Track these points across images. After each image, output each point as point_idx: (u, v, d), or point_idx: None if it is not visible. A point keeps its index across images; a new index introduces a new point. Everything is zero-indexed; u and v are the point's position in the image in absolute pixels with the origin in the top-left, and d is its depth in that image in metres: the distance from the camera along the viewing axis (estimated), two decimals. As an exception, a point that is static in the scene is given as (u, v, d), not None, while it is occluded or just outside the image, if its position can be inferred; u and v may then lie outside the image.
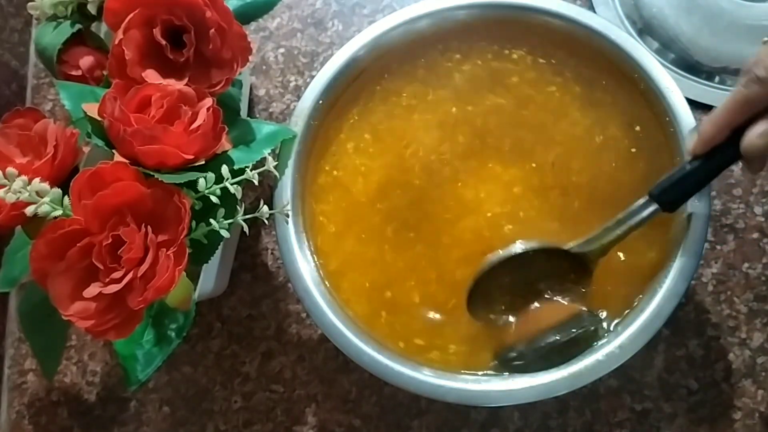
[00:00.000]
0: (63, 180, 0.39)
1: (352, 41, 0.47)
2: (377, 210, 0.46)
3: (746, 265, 0.48)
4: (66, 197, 0.37)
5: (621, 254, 0.42)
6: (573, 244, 0.41)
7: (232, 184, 0.38)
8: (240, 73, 0.41)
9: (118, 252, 0.35)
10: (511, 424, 0.47)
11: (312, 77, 0.48)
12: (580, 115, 0.45)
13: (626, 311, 0.41)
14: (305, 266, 0.44)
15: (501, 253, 0.42)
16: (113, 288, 0.34)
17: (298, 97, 0.47)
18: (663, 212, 0.40)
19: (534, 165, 0.45)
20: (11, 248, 0.44)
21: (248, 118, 0.45)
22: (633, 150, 0.44)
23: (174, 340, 0.40)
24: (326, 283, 0.44)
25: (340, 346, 0.42)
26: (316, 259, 0.45)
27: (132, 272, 0.35)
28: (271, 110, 0.57)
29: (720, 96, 0.50)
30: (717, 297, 0.47)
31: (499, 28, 0.47)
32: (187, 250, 0.36)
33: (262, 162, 0.40)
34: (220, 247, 0.40)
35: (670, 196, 0.39)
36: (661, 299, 0.40)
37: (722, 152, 0.38)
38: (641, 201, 0.40)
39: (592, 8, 0.54)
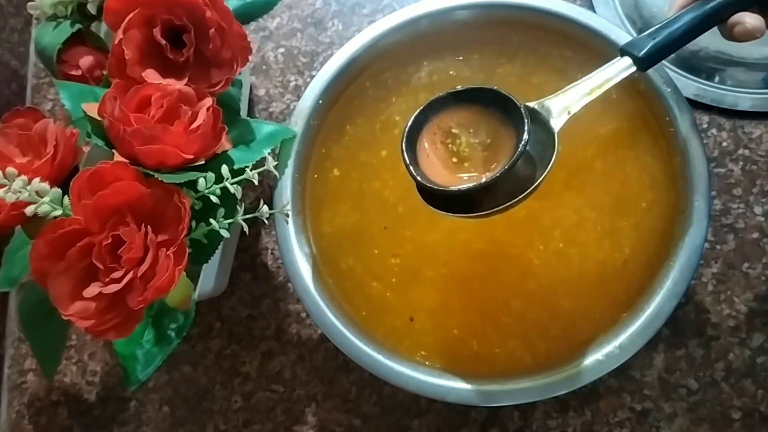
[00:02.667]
0: (63, 180, 0.39)
1: (352, 41, 0.47)
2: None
3: (746, 265, 0.48)
4: (66, 197, 0.37)
5: (621, 255, 0.42)
6: (535, 102, 0.39)
7: (232, 184, 0.38)
8: (240, 73, 0.41)
9: (118, 252, 0.35)
10: (511, 424, 0.47)
11: (312, 77, 0.48)
12: (580, 116, 0.45)
13: (626, 311, 0.41)
14: (305, 266, 0.44)
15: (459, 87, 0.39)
16: (113, 288, 0.34)
17: (298, 97, 0.47)
18: (635, 70, 0.39)
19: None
20: (11, 248, 0.44)
21: (248, 118, 0.45)
22: (632, 150, 0.44)
23: (174, 340, 0.40)
24: (327, 281, 0.44)
25: (340, 346, 0.42)
26: (315, 259, 0.45)
27: (132, 272, 0.35)
28: (271, 110, 0.57)
29: (720, 96, 0.50)
30: (717, 297, 0.47)
31: (499, 27, 0.47)
32: (187, 250, 0.36)
33: (262, 162, 0.40)
34: (220, 247, 0.40)
35: (642, 49, 0.39)
36: (661, 299, 0.40)
37: (694, 12, 0.39)
38: (614, 60, 0.40)
39: (592, 8, 0.54)
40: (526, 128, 0.36)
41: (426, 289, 0.44)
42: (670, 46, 0.39)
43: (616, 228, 0.43)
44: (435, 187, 0.37)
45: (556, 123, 0.38)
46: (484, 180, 0.36)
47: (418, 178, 0.37)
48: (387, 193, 0.46)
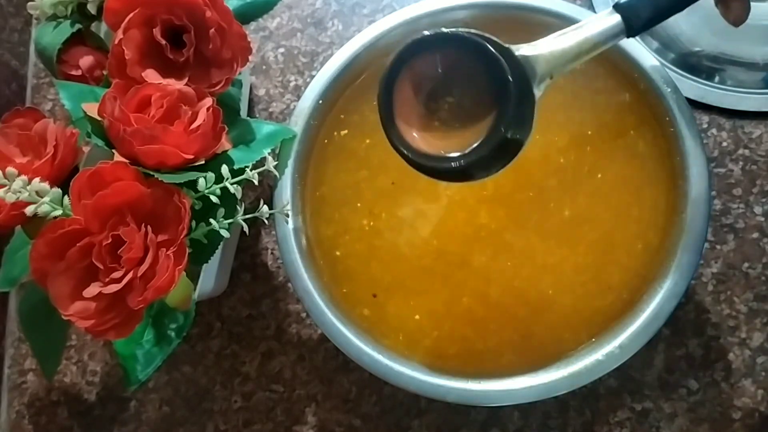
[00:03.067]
0: (63, 180, 0.39)
1: (352, 41, 0.47)
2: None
3: (746, 264, 0.48)
4: (66, 197, 0.37)
5: (621, 255, 0.42)
6: (520, 54, 0.36)
7: (232, 184, 0.38)
8: (240, 73, 0.41)
9: (118, 252, 0.35)
10: (511, 424, 0.47)
11: (312, 77, 0.48)
12: (579, 116, 0.45)
13: (626, 311, 0.41)
14: (305, 266, 0.44)
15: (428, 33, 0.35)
16: (113, 288, 0.34)
17: (298, 97, 0.48)
18: (625, 34, 0.37)
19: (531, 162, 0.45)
20: (11, 248, 0.44)
21: (248, 118, 0.45)
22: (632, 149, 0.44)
23: (174, 339, 0.40)
24: (327, 281, 0.44)
25: (340, 346, 0.42)
26: (315, 258, 0.45)
27: (132, 272, 0.35)
28: (271, 110, 0.57)
29: (720, 96, 0.50)
30: (717, 297, 0.47)
31: (499, 27, 0.47)
32: (187, 250, 0.36)
33: (262, 162, 0.40)
34: (220, 247, 0.40)
35: (637, 11, 0.37)
36: (661, 299, 0.40)
37: None
38: (605, 12, 0.37)
39: (592, 8, 0.54)
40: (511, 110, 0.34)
41: (426, 287, 0.44)
42: (667, 11, 0.38)
43: (615, 227, 0.43)
44: (434, 164, 0.35)
45: (538, 90, 0.36)
46: (463, 161, 0.34)
47: (409, 155, 0.35)
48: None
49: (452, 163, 0.35)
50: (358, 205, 0.46)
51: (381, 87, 0.36)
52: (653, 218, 0.43)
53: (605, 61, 0.45)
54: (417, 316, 0.43)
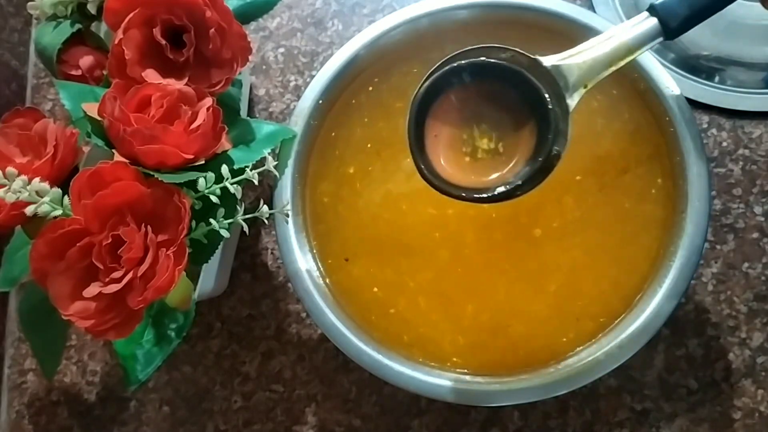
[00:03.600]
0: (63, 180, 0.39)
1: (352, 41, 0.47)
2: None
3: (746, 264, 0.48)
4: (66, 197, 0.37)
5: (620, 255, 0.42)
6: (550, 64, 0.36)
7: (232, 184, 0.38)
8: (240, 73, 0.41)
9: (118, 252, 0.35)
10: (511, 424, 0.47)
11: (312, 77, 0.48)
12: (578, 116, 0.45)
13: (626, 311, 0.41)
14: (305, 266, 0.44)
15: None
16: (113, 288, 0.34)
17: (298, 97, 0.47)
18: (663, 37, 0.36)
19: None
20: (11, 248, 0.44)
21: (248, 118, 0.45)
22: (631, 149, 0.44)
23: (174, 339, 0.40)
24: (326, 281, 0.44)
25: (340, 346, 0.42)
26: (315, 259, 0.45)
27: (132, 272, 0.35)
28: (271, 110, 0.57)
29: (720, 96, 0.50)
30: (717, 297, 0.47)
31: (499, 27, 0.47)
32: (187, 250, 0.36)
33: (262, 162, 0.40)
34: (220, 247, 0.40)
35: (675, 11, 0.35)
36: (661, 299, 0.40)
37: None
38: (639, 17, 0.36)
39: (592, 8, 0.54)
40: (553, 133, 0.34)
41: (425, 288, 0.44)
42: (705, 11, 0.36)
43: (615, 228, 0.43)
44: (461, 194, 0.35)
45: (572, 100, 0.35)
46: (505, 188, 0.35)
47: (438, 184, 0.36)
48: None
49: (499, 190, 0.35)
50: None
51: (410, 124, 0.36)
52: (653, 218, 0.43)
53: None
54: (433, 316, 0.43)
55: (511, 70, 0.35)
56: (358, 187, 0.46)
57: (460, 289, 0.43)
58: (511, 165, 0.36)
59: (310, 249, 0.45)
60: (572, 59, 0.36)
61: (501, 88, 0.36)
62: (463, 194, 0.36)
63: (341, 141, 0.47)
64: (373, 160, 0.46)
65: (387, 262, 0.44)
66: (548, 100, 0.35)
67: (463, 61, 0.36)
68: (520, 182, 0.35)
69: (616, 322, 0.41)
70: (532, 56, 0.35)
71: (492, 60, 0.36)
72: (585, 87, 0.36)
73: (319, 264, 0.45)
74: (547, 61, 0.36)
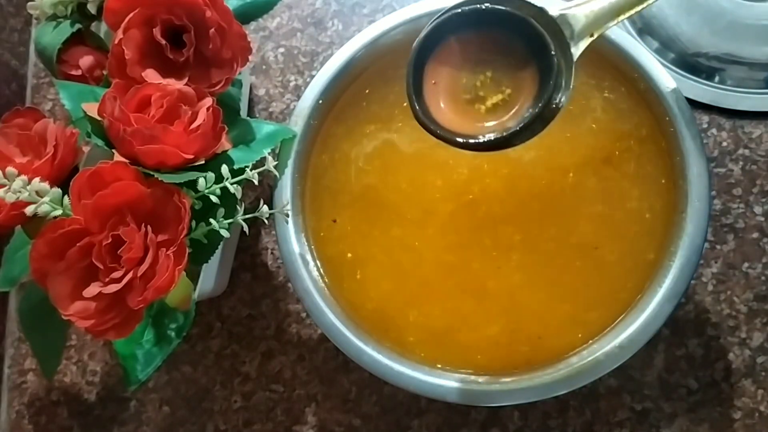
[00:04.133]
0: (63, 180, 0.39)
1: (352, 41, 0.47)
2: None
3: (746, 264, 0.48)
4: (66, 197, 0.37)
5: (620, 255, 0.42)
6: (557, 12, 0.35)
7: (232, 184, 0.38)
8: (240, 73, 0.41)
9: (118, 252, 0.35)
10: (511, 424, 0.47)
11: (312, 77, 0.48)
12: (577, 114, 0.45)
13: (626, 311, 0.41)
14: (305, 266, 0.44)
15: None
16: (113, 288, 0.34)
17: (298, 97, 0.47)
18: None
19: (533, 162, 0.45)
20: (11, 248, 0.44)
21: (248, 118, 0.45)
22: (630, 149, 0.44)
23: (174, 339, 0.40)
24: (326, 281, 0.44)
25: (340, 346, 0.42)
26: (315, 258, 0.45)
27: (132, 272, 0.35)
28: (271, 110, 0.57)
29: (720, 96, 0.50)
30: (717, 297, 0.47)
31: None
32: (187, 250, 0.36)
33: (262, 162, 0.40)
34: (220, 247, 0.40)
35: None
36: (661, 299, 0.40)
37: None
38: None
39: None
40: (554, 80, 0.33)
41: (426, 286, 0.44)
42: None
43: (615, 228, 0.43)
44: (458, 139, 0.35)
45: (576, 49, 0.35)
46: (503, 134, 0.35)
47: (438, 131, 0.36)
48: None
49: (495, 135, 0.35)
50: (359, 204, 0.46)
51: (409, 68, 0.36)
52: (653, 218, 0.42)
53: (605, 61, 0.45)
54: (417, 318, 0.43)
55: (516, 18, 0.35)
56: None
57: (460, 289, 0.43)
58: (511, 113, 0.36)
59: (310, 249, 0.45)
60: (579, 9, 0.36)
61: (505, 36, 0.36)
62: (460, 140, 0.36)
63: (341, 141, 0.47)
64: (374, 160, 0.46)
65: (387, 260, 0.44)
66: (551, 46, 0.35)
67: (467, 7, 0.36)
68: (517, 128, 0.35)
69: (616, 322, 0.41)
70: (537, 5, 0.35)
71: (497, 6, 0.36)
72: (591, 36, 0.36)
73: (319, 264, 0.45)
74: (553, 10, 0.36)
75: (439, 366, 0.42)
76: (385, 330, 0.43)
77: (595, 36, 0.36)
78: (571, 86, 0.35)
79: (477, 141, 0.36)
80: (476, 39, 0.37)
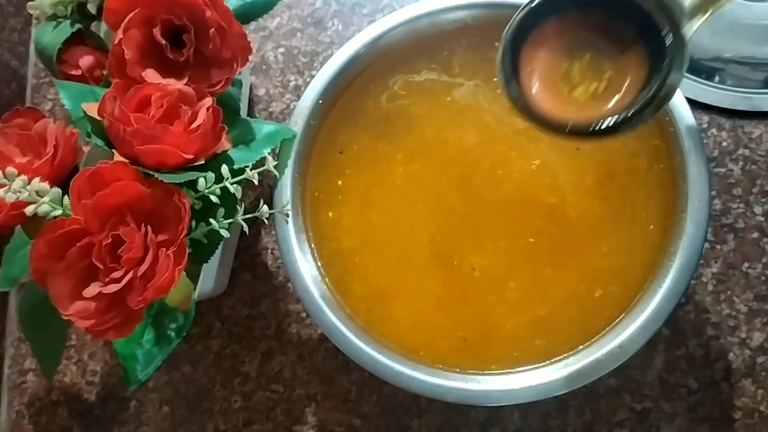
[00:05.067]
0: (63, 180, 0.39)
1: (352, 41, 0.47)
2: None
3: (746, 264, 0.48)
4: (66, 197, 0.37)
5: (620, 255, 0.42)
6: None
7: (232, 184, 0.38)
8: (240, 73, 0.41)
9: (118, 252, 0.35)
10: (511, 424, 0.47)
11: (312, 77, 0.48)
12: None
13: (626, 311, 0.41)
14: (305, 266, 0.44)
15: None
16: (113, 288, 0.34)
17: (298, 97, 0.47)
18: None
19: (537, 162, 0.45)
20: (11, 248, 0.44)
21: (248, 118, 0.45)
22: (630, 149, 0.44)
23: (174, 339, 0.40)
24: (327, 281, 0.44)
25: (340, 346, 0.42)
26: (315, 258, 0.45)
27: (132, 272, 0.35)
28: (271, 110, 0.57)
29: (720, 96, 0.50)
30: (717, 297, 0.47)
31: (500, 28, 0.47)
32: (187, 250, 0.36)
33: (262, 162, 0.40)
34: (220, 247, 0.40)
35: None
36: (661, 299, 0.40)
37: None
38: None
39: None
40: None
41: (427, 285, 0.44)
42: None
43: (615, 228, 0.43)
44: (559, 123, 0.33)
45: (690, 27, 0.32)
46: (613, 120, 0.32)
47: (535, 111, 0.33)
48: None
49: (605, 123, 0.33)
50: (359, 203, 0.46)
51: (503, 55, 0.34)
52: (653, 218, 0.43)
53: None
54: (411, 318, 0.43)
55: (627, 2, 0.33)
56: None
57: (461, 288, 0.43)
58: (617, 98, 0.34)
59: (310, 249, 0.45)
60: None
61: (604, 17, 0.34)
62: (564, 127, 0.34)
63: (341, 141, 0.47)
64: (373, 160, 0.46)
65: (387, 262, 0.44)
66: (662, 26, 0.33)
67: None
68: (628, 114, 0.33)
69: (616, 322, 0.41)
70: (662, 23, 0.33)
71: None
72: (705, 12, 0.33)
73: (319, 264, 0.45)
74: None
75: (440, 366, 0.42)
76: (385, 330, 0.43)
77: (710, 12, 0.33)
78: (684, 67, 0.33)
79: (585, 128, 0.34)
80: (577, 22, 0.34)
